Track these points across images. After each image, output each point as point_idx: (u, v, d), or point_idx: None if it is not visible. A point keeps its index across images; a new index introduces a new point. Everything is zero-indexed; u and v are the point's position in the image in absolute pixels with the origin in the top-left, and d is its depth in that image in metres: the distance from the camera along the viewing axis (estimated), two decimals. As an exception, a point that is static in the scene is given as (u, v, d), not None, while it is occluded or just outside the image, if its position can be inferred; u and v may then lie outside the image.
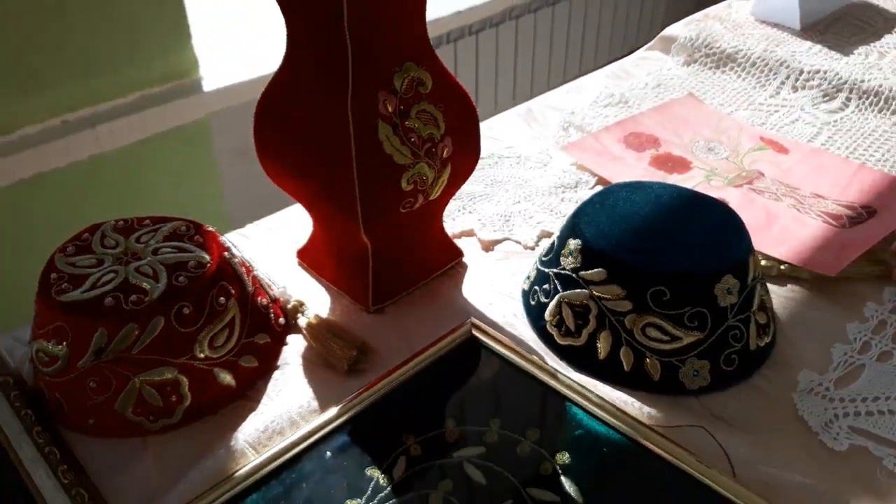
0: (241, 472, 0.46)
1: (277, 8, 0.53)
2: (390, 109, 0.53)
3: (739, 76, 0.97)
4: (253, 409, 0.52)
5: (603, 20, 2.02)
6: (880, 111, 0.87)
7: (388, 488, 0.46)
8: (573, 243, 0.56)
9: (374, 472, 0.47)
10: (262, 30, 1.37)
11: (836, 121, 0.87)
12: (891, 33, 1.06)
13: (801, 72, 0.94)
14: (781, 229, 0.66)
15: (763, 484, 0.45)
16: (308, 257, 0.66)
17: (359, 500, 0.45)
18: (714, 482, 0.45)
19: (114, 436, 0.50)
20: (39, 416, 0.50)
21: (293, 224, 0.70)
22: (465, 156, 0.59)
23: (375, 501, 0.45)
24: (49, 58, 1.06)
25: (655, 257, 0.52)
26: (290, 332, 0.59)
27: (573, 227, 0.57)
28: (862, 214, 0.68)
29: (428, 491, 0.46)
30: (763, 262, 0.63)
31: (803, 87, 0.93)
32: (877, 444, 0.47)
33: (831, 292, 0.61)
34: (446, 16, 1.58)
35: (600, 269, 0.53)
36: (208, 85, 1.26)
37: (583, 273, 0.54)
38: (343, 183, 0.53)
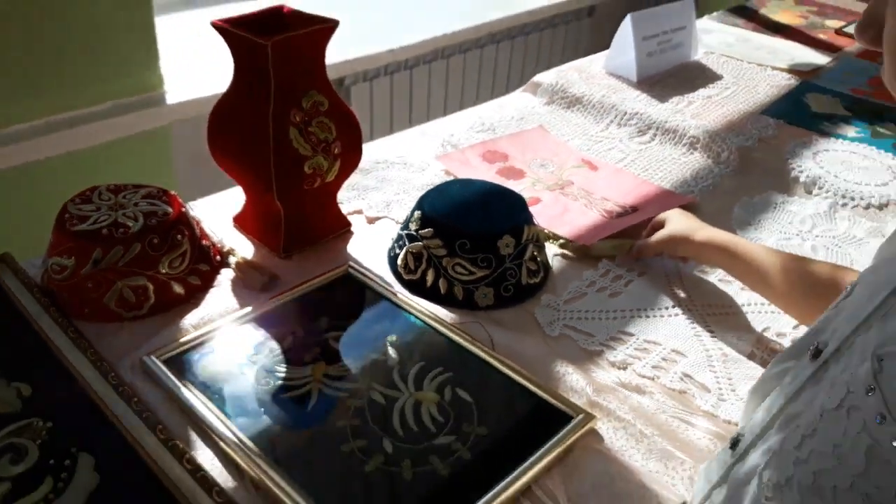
0: (183, 339, 0.73)
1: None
2: (298, 120, 0.82)
3: (582, 114, 1.29)
4: (194, 308, 0.79)
5: (499, 66, 2.37)
6: (674, 144, 1.19)
7: (279, 351, 0.73)
8: (416, 213, 0.85)
9: (272, 343, 0.74)
10: (213, 57, 1.64)
11: (642, 150, 1.19)
12: (704, 87, 1.39)
13: (626, 113, 1.26)
14: (570, 218, 0.97)
15: (510, 354, 0.74)
16: (241, 221, 0.94)
17: (259, 355, 0.72)
18: (481, 352, 0.74)
19: (101, 320, 0.77)
20: (53, 304, 0.76)
21: (232, 201, 0.98)
22: (351, 153, 0.88)
23: (270, 358, 0.72)
24: (42, 69, 1.32)
25: (463, 221, 0.82)
26: (224, 267, 0.86)
27: (419, 203, 0.86)
28: (628, 211, 0.99)
29: (304, 357, 0.73)
30: (554, 237, 0.93)
31: (625, 125, 1.25)
32: (576, 333, 0.77)
33: (590, 260, 0.91)
34: (384, 51, 1.88)
35: (429, 229, 0.82)
36: (171, 98, 1.52)
37: (420, 232, 0.83)
38: (265, 167, 0.82)
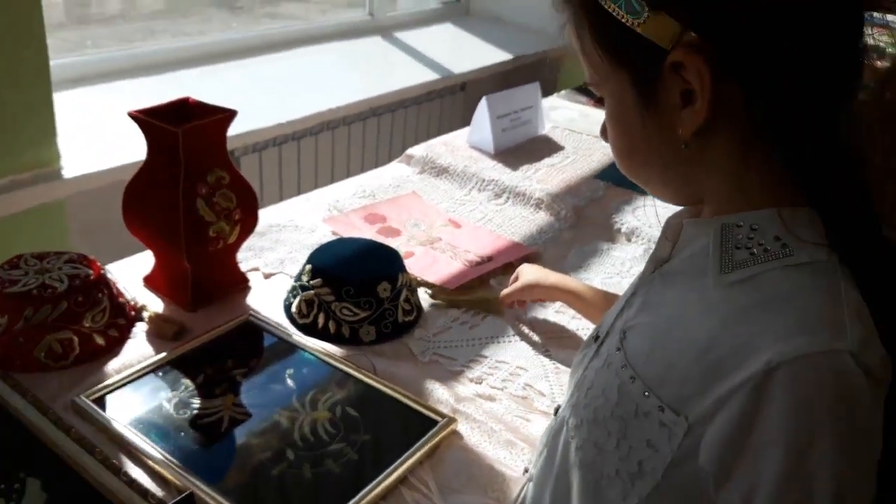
0: (105, 382, 0.86)
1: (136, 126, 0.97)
2: (204, 192, 0.98)
3: (448, 181, 1.51)
4: (115, 357, 0.92)
5: (381, 137, 2.60)
6: (524, 205, 1.42)
7: (192, 387, 0.87)
8: (307, 267, 1.02)
9: (186, 381, 0.88)
10: (109, 132, 1.75)
11: (498, 210, 1.41)
12: (549, 157, 1.65)
13: (484, 180, 1.49)
14: (438, 268, 1.16)
15: (389, 378, 0.91)
16: (151, 281, 1.07)
17: (176, 392, 0.86)
18: (365, 377, 0.90)
19: (33, 371, 0.87)
20: (-15, 359, 0.87)
21: (142, 264, 1.10)
22: (249, 219, 1.04)
23: (186, 393, 0.86)
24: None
25: (347, 271, 0.99)
26: (138, 321, 0.99)
27: (309, 259, 1.03)
28: (485, 260, 1.20)
29: (215, 391, 0.87)
30: (426, 284, 1.12)
31: (484, 190, 1.48)
32: (443, 358, 0.96)
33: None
34: (272, 125, 2.05)
35: (319, 279, 0.99)
36: (67, 173, 1.62)
37: (311, 282, 1.00)
38: (177, 233, 0.96)
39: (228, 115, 0.99)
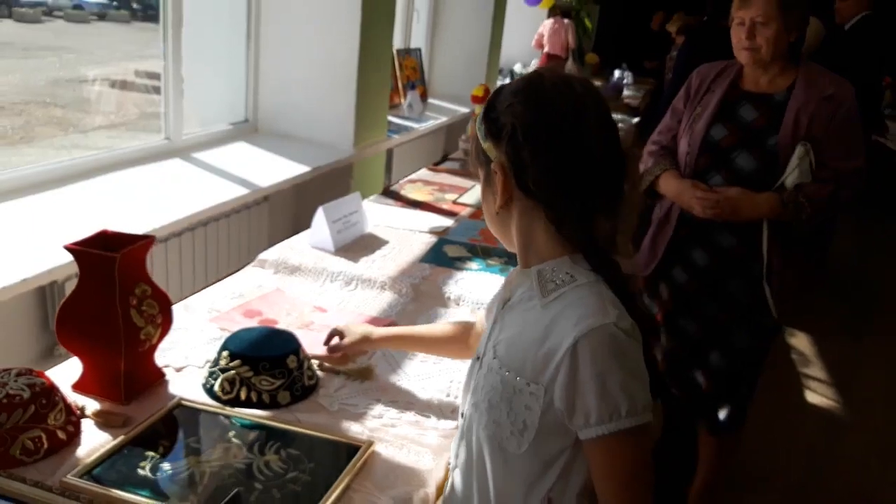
0: (75, 470, 1.04)
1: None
2: (134, 303, 1.20)
3: (303, 277, 1.80)
4: (77, 447, 1.09)
5: (197, 254, 2.82)
6: (371, 288, 1.76)
7: (158, 456, 1.08)
8: (224, 352, 1.26)
9: (149, 452, 1.08)
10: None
11: (352, 294, 1.73)
12: (380, 249, 2.01)
13: (334, 273, 1.81)
14: (319, 344, 1.45)
15: (312, 426, 1.18)
16: (81, 386, 1.24)
17: (146, 461, 1.06)
18: (294, 427, 1.16)
19: (10, 467, 1.02)
20: (-36, 465, 1.01)
21: (64, 372, 1.27)
22: (167, 322, 1.27)
23: (154, 461, 1.06)
24: None
25: (260, 350, 1.25)
26: (83, 418, 1.16)
27: (223, 346, 1.28)
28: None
29: (179, 455, 1.08)
30: (314, 357, 1.40)
31: (336, 280, 1.79)
32: (347, 405, 1.25)
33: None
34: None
35: (238, 360, 1.24)
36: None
37: (230, 364, 1.24)
38: (116, 338, 1.17)
39: (149, 240, 1.23)
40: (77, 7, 3.56)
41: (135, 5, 3.82)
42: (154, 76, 3.60)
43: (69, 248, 1.17)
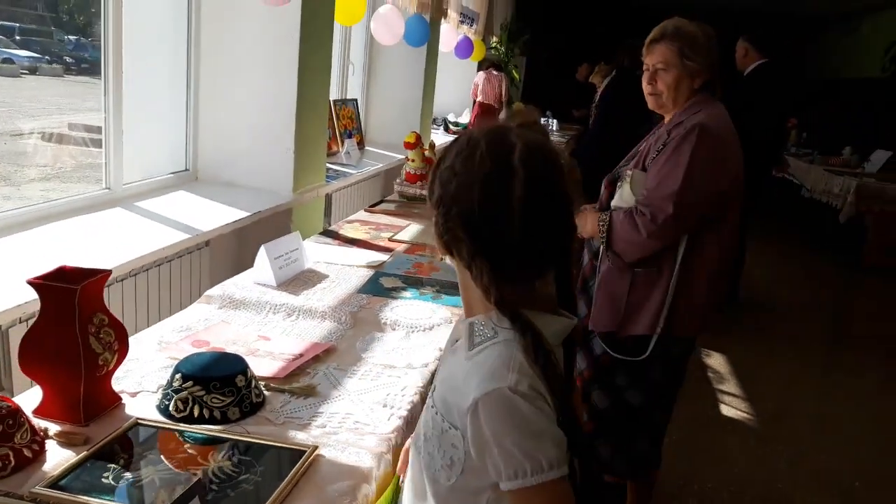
0: (43, 482, 1.13)
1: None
2: (93, 331, 1.31)
3: (247, 311, 1.92)
4: (41, 464, 1.18)
5: (139, 296, 2.89)
6: (313, 318, 1.89)
7: (118, 468, 1.18)
8: (177, 375, 1.38)
9: (111, 465, 1.18)
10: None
11: (293, 324, 1.86)
12: (320, 283, 2.14)
13: (276, 305, 1.93)
14: (265, 367, 1.57)
15: (260, 435, 1.30)
16: (42, 411, 1.33)
17: (108, 472, 1.16)
18: (244, 437, 1.28)
19: (-22, 483, 1.12)
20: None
21: (25, 399, 1.36)
22: (123, 349, 1.38)
23: (116, 472, 1.17)
24: None
25: (210, 371, 1.37)
26: (47, 439, 1.25)
27: (175, 370, 1.39)
28: (298, 356, 1.64)
29: (138, 466, 1.19)
30: (261, 378, 1.52)
31: (279, 312, 1.92)
32: (291, 418, 1.37)
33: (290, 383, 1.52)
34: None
35: (190, 381, 1.36)
36: None
37: (183, 385, 1.36)
38: (76, 364, 1.27)
39: (106, 273, 1.35)
40: (7, 61, 3.61)
41: (67, 59, 3.89)
42: (91, 129, 3.67)
43: (32, 283, 1.28)
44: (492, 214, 0.93)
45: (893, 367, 4.19)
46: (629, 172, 1.93)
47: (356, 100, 6.12)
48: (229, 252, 3.81)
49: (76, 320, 1.28)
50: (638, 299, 1.94)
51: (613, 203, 1.94)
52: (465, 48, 7.57)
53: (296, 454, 1.25)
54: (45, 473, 1.16)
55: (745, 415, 3.36)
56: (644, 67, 2.00)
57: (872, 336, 4.80)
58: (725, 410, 3.37)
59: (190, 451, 1.25)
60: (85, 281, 1.29)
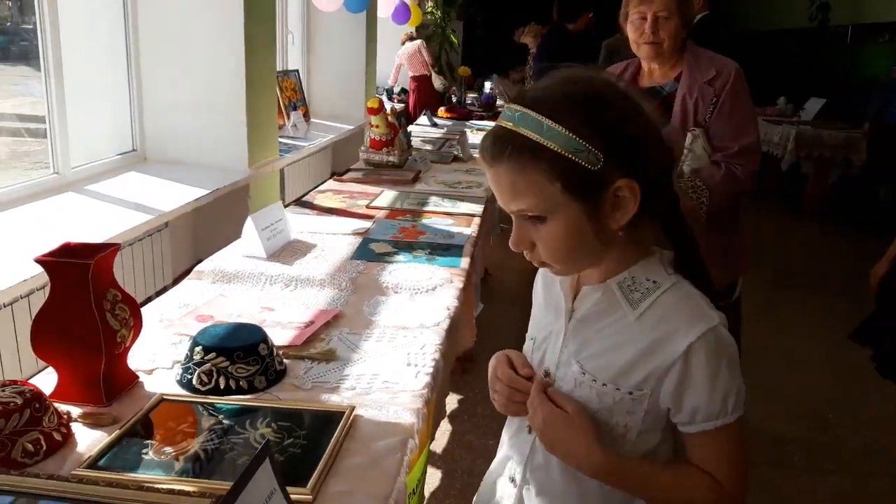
0: (81, 463, 1.09)
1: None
2: (108, 308, 1.25)
3: (242, 283, 1.88)
4: (73, 447, 1.14)
5: (146, 269, 2.79)
6: (312, 286, 1.86)
7: (156, 443, 1.14)
8: (197, 348, 1.34)
9: (148, 441, 1.15)
10: None
11: (293, 292, 1.83)
12: (310, 252, 2.11)
13: (272, 276, 1.89)
14: (279, 336, 1.54)
15: (293, 401, 1.28)
16: (59, 394, 1.27)
17: (147, 448, 1.13)
18: (278, 404, 1.26)
19: (9, 468, 1.06)
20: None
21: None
22: (138, 325, 1.33)
23: (154, 448, 1.13)
24: None
25: (232, 341, 1.34)
26: (72, 422, 1.20)
27: (194, 343, 1.35)
28: (308, 323, 1.61)
29: (177, 439, 1.16)
30: (278, 348, 1.49)
31: (276, 283, 1.88)
32: (319, 382, 1.36)
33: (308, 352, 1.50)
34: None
35: (213, 353, 1.32)
36: None
37: (205, 357, 1.32)
38: (96, 342, 1.22)
39: (115, 247, 1.29)
40: None
41: None
42: (25, 118, 3.50)
43: (40, 261, 1.22)
44: (654, 133, 0.92)
45: (835, 302, 4.41)
46: (696, 131, 1.93)
47: (297, 70, 5.98)
48: (188, 232, 3.70)
49: (91, 297, 1.23)
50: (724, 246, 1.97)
51: (690, 165, 1.93)
52: (402, 13, 7.48)
53: (334, 416, 1.24)
54: (80, 455, 1.11)
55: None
56: (637, 16, 1.97)
57: (816, 274, 5.05)
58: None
59: (226, 421, 1.22)
60: (96, 256, 1.24)
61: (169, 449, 1.13)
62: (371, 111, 3.17)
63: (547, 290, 1.10)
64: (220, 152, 3.85)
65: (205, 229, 3.77)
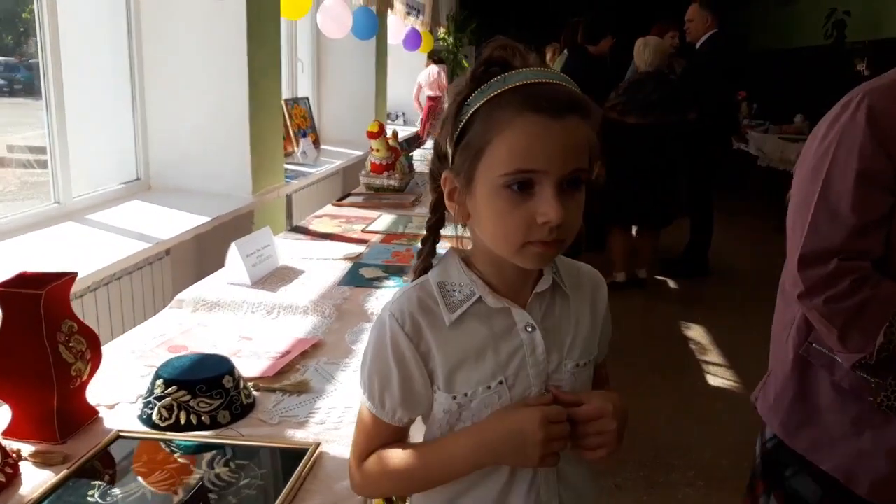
0: (29, 499, 1.02)
1: (-3, 304, 1.16)
2: (63, 339, 1.19)
3: (223, 312, 1.81)
4: (17, 488, 1.07)
5: (100, 311, 2.75)
6: (295, 313, 1.79)
7: (104, 484, 1.07)
8: (158, 381, 1.27)
9: (96, 482, 1.08)
10: None
11: (275, 321, 1.76)
12: (297, 278, 2.04)
13: (254, 303, 1.83)
14: (252, 367, 1.47)
15: (256, 438, 1.20)
16: (11, 432, 1.21)
17: (93, 490, 1.05)
18: (240, 441, 1.18)
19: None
20: None
21: (-10, 424, 1.24)
22: (96, 358, 1.27)
23: (102, 490, 1.06)
24: None
25: (195, 374, 1.27)
26: (20, 461, 1.14)
27: (156, 376, 1.28)
28: (285, 353, 1.54)
29: (124, 480, 1.09)
30: (250, 378, 1.42)
31: (257, 311, 1.81)
32: (286, 417, 1.28)
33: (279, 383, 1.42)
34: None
35: (173, 387, 1.25)
36: None
37: (166, 391, 1.25)
38: (47, 376, 1.16)
39: (72, 276, 1.24)
40: None
41: (0, 81, 3.76)
42: (35, 150, 3.51)
43: (-9, 291, 1.16)
44: None
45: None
46: None
47: (307, 98, 5.99)
48: (191, 260, 3.66)
49: (43, 329, 1.17)
50: None
51: None
52: (413, 40, 7.49)
53: (297, 453, 1.16)
54: (21, 498, 1.05)
55: (731, 382, 3.37)
56: None
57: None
58: (712, 380, 3.37)
59: (181, 460, 1.15)
60: (49, 285, 1.18)
61: (116, 491, 1.06)
62: (371, 135, 3.13)
63: (462, 335, 0.91)
64: (224, 180, 3.83)
65: (208, 256, 3.73)
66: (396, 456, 0.93)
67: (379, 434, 0.95)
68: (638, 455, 2.67)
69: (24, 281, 1.23)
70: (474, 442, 0.89)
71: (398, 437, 0.96)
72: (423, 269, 0.97)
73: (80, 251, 2.74)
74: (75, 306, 2.56)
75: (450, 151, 0.88)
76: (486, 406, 0.91)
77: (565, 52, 5.53)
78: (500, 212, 0.84)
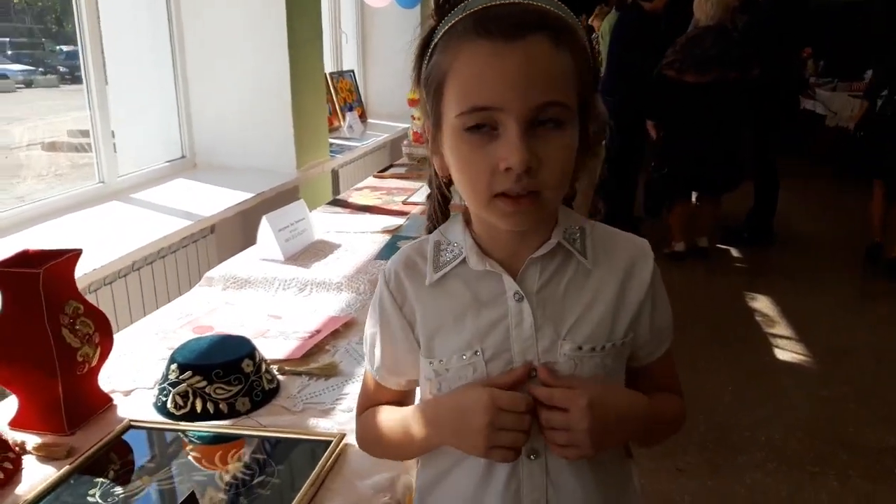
0: (25, 499, 0.93)
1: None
2: (66, 321, 1.10)
3: (254, 289, 1.71)
4: (17, 485, 0.98)
5: (145, 288, 2.70)
6: (328, 290, 1.68)
7: (108, 482, 0.98)
8: (172, 366, 1.17)
9: (99, 479, 0.98)
10: None
11: (306, 299, 1.65)
12: (332, 253, 1.93)
13: (286, 280, 1.72)
14: (278, 348, 1.36)
15: (279, 427, 1.09)
16: (18, 422, 1.13)
17: (95, 489, 0.96)
18: (259, 432, 1.07)
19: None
20: None
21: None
22: (107, 342, 1.17)
23: (104, 488, 0.96)
24: None
25: (211, 358, 1.16)
26: (24, 454, 1.05)
27: (171, 360, 1.18)
28: (314, 333, 1.43)
29: (131, 478, 0.99)
30: (275, 361, 1.31)
31: (289, 287, 1.70)
32: (311, 404, 1.16)
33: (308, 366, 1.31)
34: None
35: (188, 372, 1.15)
36: None
37: (180, 377, 1.15)
38: (49, 362, 1.06)
39: (76, 253, 1.14)
40: (2, 77, 3.51)
41: (61, 69, 3.80)
42: (86, 133, 3.52)
43: (-14, 271, 1.07)
44: None
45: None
46: None
47: (353, 71, 5.86)
48: (236, 236, 3.60)
49: (43, 310, 1.07)
50: None
51: None
52: (460, 8, 7.26)
53: (320, 445, 1.04)
54: (18, 497, 0.95)
55: (800, 356, 3.13)
56: None
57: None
58: (780, 354, 3.14)
59: (193, 453, 1.04)
60: (49, 263, 1.08)
61: (119, 490, 0.96)
62: (412, 103, 2.98)
63: (443, 296, 0.81)
64: (268, 155, 3.77)
65: (253, 233, 3.68)
66: (377, 417, 0.87)
67: (376, 392, 0.89)
68: (699, 436, 2.49)
69: (27, 259, 1.14)
70: (426, 417, 0.82)
71: (396, 398, 0.89)
72: (429, 229, 0.87)
73: (124, 229, 2.70)
74: (118, 285, 2.54)
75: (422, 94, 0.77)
76: (461, 378, 0.79)
77: (614, 10, 5.24)
78: (465, 159, 0.72)
